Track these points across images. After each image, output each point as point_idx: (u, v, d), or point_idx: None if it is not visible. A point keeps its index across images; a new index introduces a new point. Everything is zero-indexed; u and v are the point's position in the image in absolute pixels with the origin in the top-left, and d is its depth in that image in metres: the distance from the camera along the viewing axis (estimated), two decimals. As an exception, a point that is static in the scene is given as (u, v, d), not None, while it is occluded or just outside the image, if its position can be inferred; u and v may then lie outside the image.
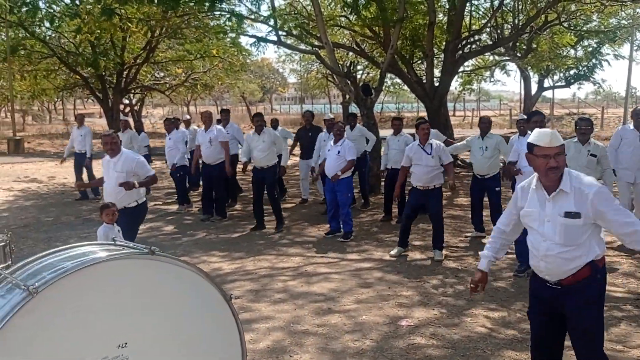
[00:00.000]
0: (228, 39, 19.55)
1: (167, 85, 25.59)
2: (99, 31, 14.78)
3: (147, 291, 2.45)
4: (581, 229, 2.83)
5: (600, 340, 2.96)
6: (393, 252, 6.90)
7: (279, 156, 8.45)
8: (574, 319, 2.92)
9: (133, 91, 24.51)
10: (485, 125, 7.36)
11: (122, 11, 12.26)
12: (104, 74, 19.59)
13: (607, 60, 29.05)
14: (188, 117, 12.02)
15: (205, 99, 45.57)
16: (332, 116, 9.70)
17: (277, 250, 7.26)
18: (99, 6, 11.37)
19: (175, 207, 10.26)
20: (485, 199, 7.50)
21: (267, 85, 54.09)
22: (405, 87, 29.01)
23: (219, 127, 9.30)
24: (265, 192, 8.36)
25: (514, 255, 6.04)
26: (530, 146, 2.89)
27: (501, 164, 7.38)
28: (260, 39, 11.06)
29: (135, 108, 30.42)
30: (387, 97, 43.80)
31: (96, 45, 18.45)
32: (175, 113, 46.54)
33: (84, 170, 11.08)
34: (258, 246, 7.49)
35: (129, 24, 15.01)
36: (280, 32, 11.20)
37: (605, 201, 2.81)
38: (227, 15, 11.43)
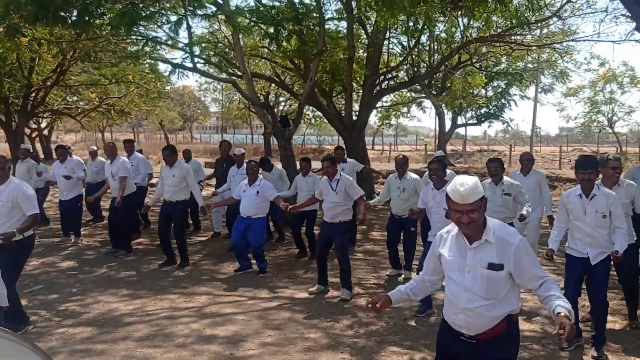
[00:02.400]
0: (145, 65, 18.97)
1: (79, 110, 24.39)
2: (2, 51, 13.85)
3: None
4: (503, 282, 2.72)
5: None
6: (312, 289, 6.65)
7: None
8: None
9: (41, 115, 23.13)
10: (401, 166, 7.24)
11: (30, 31, 11.50)
12: (8, 95, 18.35)
13: (514, 101, 30.83)
14: (94, 147, 11.32)
15: (121, 126, 43.93)
16: (242, 151, 9.41)
17: (182, 289, 6.80)
18: (3, 25, 10.59)
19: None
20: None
21: (187, 114, 53.05)
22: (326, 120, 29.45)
23: (123, 159, 8.83)
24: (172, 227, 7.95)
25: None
26: (447, 197, 2.76)
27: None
28: (176, 65, 10.68)
29: (44, 133, 28.79)
30: (309, 130, 44.15)
31: (0, 66, 17.30)
32: (89, 139, 44.70)
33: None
34: (162, 284, 7.01)
35: (37, 46, 14.15)
36: (198, 60, 10.90)
37: (525, 252, 2.72)
38: (144, 41, 11.00)
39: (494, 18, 13.69)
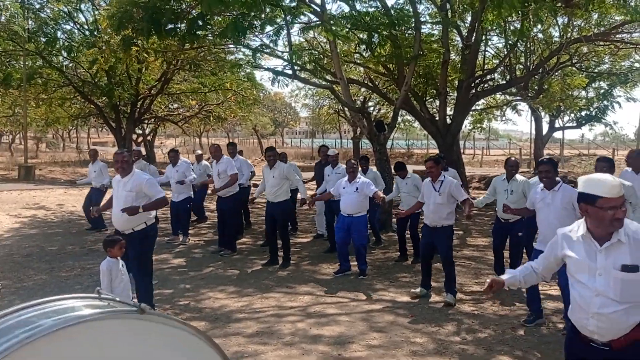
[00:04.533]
0: (242, 73, 19.77)
1: (181, 117, 25.78)
2: (114, 61, 14.96)
3: (134, 357, 2.04)
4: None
5: None
6: (416, 290, 6.67)
7: (294, 190, 8.37)
8: None
9: (146, 121, 24.69)
10: (512, 168, 7.05)
11: (140, 42, 12.35)
12: (118, 103, 19.78)
13: (618, 102, 28.92)
14: (200, 152, 11.98)
15: (217, 131, 45.84)
16: (336, 152, 9.57)
17: (286, 288, 7.05)
18: (118, 38, 11.46)
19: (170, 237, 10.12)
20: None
21: (279, 119, 54.46)
22: (416, 124, 29.14)
23: (229, 158, 9.26)
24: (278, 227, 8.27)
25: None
26: (592, 198, 2.59)
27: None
28: (277, 72, 11.08)
29: (148, 138, 30.62)
30: (397, 134, 43.86)
31: (111, 75, 18.68)
32: (187, 144, 46.97)
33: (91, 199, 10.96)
34: (266, 283, 7.29)
35: (146, 55, 15.15)
36: (296, 67, 11.23)
37: None
38: (244, 49, 11.53)
39: (599, 15, 13.08)
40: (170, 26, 9.88)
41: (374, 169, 10.45)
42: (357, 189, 7.55)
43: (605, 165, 5.88)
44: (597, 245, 2.62)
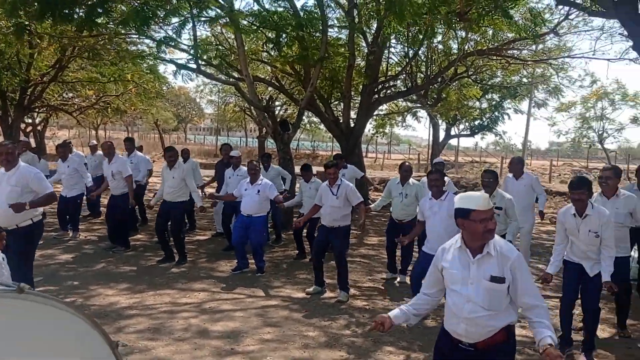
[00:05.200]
0: (145, 65, 19.07)
1: (76, 107, 24.40)
2: (4, 45, 13.92)
3: (13, 337, 1.99)
4: (504, 294, 2.84)
5: None
6: (309, 289, 6.80)
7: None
8: None
9: (37, 110, 23.13)
10: (406, 172, 7.45)
11: (34, 27, 11.58)
12: (6, 90, 18.37)
13: (508, 114, 31.14)
14: (94, 142, 11.45)
15: (115, 124, 43.89)
16: (238, 153, 9.52)
17: (180, 285, 6.92)
18: (10, 23, 10.66)
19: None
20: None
21: (182, 114, 53.07)
22: (322, 126, 29.59)
23: (122, 157, 8.95)
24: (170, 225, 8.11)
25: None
26: (466, 211, 2.84)
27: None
28: (180, 66, 10.81)
29: (39, 128, 28.73)
30: (303, 135, 44.32)
31: (-1, 59, 17.33)
32: (82, 136, 44.50)
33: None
34: (160, 280, 7.11)
35: (39, 41, 14.23)
36: (200, 62, 11.01)
37: (523, 268, 2.87)
38: (147, 41, 11.15)
39: (493, 31, 14.00)
40: (66, 11, 9.36)
41: (276, 166, 10.51)
42: (258, 191, 7.60)
43: (491, 176, 6.29)
44: (471, 257, 2.89)
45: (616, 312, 5.78)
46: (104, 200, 12.05)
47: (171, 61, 11.32)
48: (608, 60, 16.07)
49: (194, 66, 10.52)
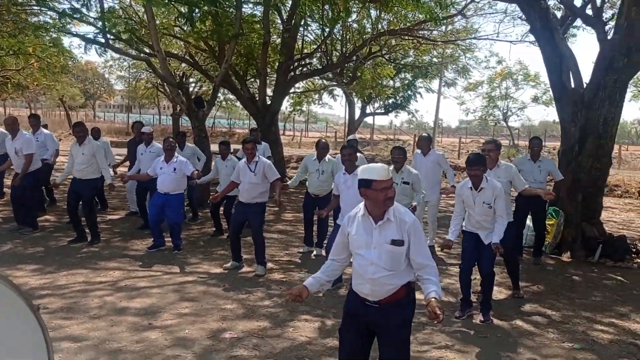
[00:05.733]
0: (48, 38, 18.00)
1: (-30, 81, 22.68)
2: None
3: None
4: (402, 256, 3.12)
5: (409, 349, 3.23)
6: (227, 265, 6.89)
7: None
8: (390, 334, 3.15)
9: None
10: (323, 150, 7.62)
11: None
12: None
13: (420, 93, 32.26)
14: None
15: (17, 100, 41.14)
16: (150, 129, 9.32)
17: (94, 265, 6.78)
18: None
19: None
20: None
21: (90, 91, 50.53)
22: (238, 104, 29.32)
23: (28, 135, 8.51)
24: (81, 204, 7.86)
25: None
26: (368, 182, 3.04)
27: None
28: (88, 40, 10.34)
29: None
30: (219, 113, 43.68)
31: None
32: (-21, 113, 41.37)
33: None
34: (73, 260, 6.93)
35: None
36: (108, 36, 10.58)
37: (418, 231, 3.15)
38: (50, 12, 10.54)
39: (407, 12, 14.45)
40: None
41: (191, 144, 10.40)
42: (175, 169, 7.55)
43: (400, 153, 6.69)
44: (373, 224, 3.14)
45: (509, 275, 6.33)
46: (8, 181, 11.47)
47: (78, 35, 10.78)
48: (511, 42, 17.15)
49: (103, 40, 10.11)
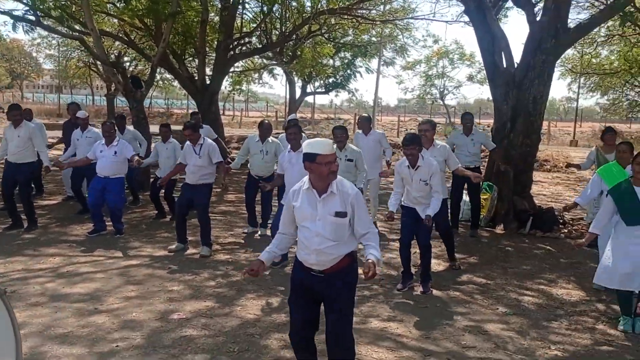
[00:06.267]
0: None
1: None
2: None
3: None
4: (346, 226, 3.27)
5: (352, 316, 3.41)
6: (172, 247, 6.87)
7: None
8: (334, 300, 3.30)
9: None
10: (266, 130, 7.63)
11: None
12: None
13: (359, 72, 32.57)
14: None
15: None
16: (86, 114, 9.04)
17: (32, 251, 6.61)
18: None
19: None
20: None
21: (17, 70, 47.98)
22: (175, 83, 28.69)
23: None
24: (17, 190, 7.58)
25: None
26: (312, 156, 3.16)
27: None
28: (16, 18, 9.84)
29: None
30: (156, 93, 42.53)
31: None
32: None
33: None
34: (10, 247, 6.72)
35: None
36: (38, 13, 10.12)
37: (360, 202, 3.31)
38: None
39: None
40: None
41: (131, 128, 10.17)
42: (115, 152, 7.44)
43: (343, 132, 6.89)
44: (317, 197, 3.27)
45: (445, 248, 6.65)
46: None
47: (5, 12, 10.22)
48: (446, 22, 17.53)
49: (33, 18, 9.66)
